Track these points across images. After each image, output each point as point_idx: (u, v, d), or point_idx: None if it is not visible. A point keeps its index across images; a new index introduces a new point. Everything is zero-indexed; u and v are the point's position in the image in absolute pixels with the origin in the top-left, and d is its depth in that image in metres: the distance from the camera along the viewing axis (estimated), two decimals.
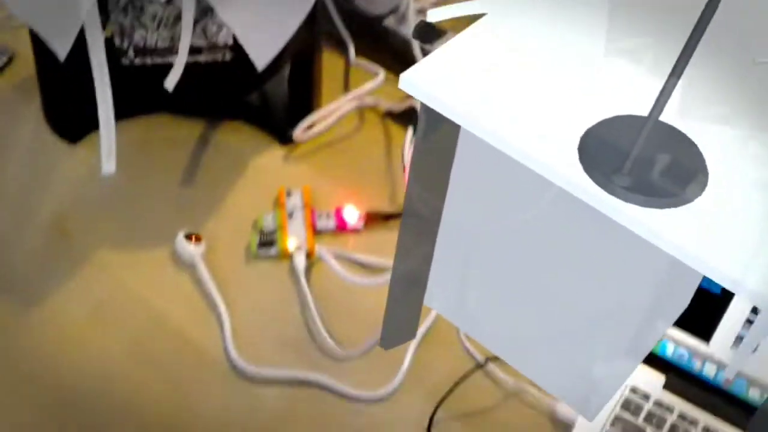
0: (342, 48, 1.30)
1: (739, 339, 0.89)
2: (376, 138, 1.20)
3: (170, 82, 1.00)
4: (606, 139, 0.45)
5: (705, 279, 0.43)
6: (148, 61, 1.11)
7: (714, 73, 0.49)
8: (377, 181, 1.15)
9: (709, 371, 0.91)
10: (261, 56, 1.03)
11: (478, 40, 0.50)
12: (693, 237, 0.42)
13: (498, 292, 0.60)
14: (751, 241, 0.42)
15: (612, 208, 0.43)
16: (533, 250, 0.55)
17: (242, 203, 1.12)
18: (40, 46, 1.06)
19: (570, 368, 0.57)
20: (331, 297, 1.03)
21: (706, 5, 0.40)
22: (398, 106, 1.22)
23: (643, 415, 0.91)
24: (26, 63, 1.21)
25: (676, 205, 0.43)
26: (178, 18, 1.06)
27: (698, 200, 0.44)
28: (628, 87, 0.49)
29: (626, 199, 0.43)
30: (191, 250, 1.04)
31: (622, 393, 0.92)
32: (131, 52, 1.10)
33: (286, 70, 1.14)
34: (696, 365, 0.92)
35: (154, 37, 1.09)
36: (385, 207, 1.11)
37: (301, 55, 1.14)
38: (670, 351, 0.92)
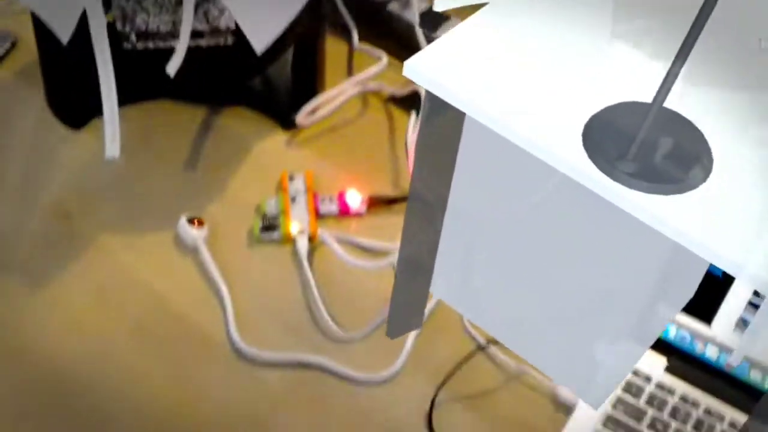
0: (345, 33, 1.30)
1: (741, 321, 0.89)
2: (378, 122, 1.21)
3: (172, 67, 1.00)
4: (610, 126, 0.45)
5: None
6: (150, 45, 1.11)
7: (718, 56, 0.49)
8: (380, 166, 1.15)
9: (710, 354, 0.92)
10: (260, 40, 1.03)
11: (482, 27, 0.50)
12: (698, 223, 0.42)
13: (503, 280, 0.60)
14: (756, 227, 0.42)
15: (616, 195, 0.43)
16: (538, 237, 0.56)
17: (245, 188, 1.12)
18: (42, 32, 1.06)
19: (576, 356, 0.57)
20: (334, 280, 1.03)
21: None
22: (401, 91, 1.22)
23: (644, 397, 0.91)
24: (29, 49, 1.21)
25: (680, 191, 0.43)
26: (179, 2, 1.06)
27: (703, 186, 0.43)
28: (633, 73, 0.49)
29: (630, 186, 0.43)
30: (194, 234, 1.05)
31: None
32: (133, 36, 1.10)
33: (289, 55, 1.14)
34: (698, 348, 0.92)
35: (156, 21, 1.09)
36: (387, 191, 1.12)
37: (305, 40, 1.14)
38: (672, 333, 0.93)
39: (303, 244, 1.04)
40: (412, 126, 1.17)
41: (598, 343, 0.56)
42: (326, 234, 1.06)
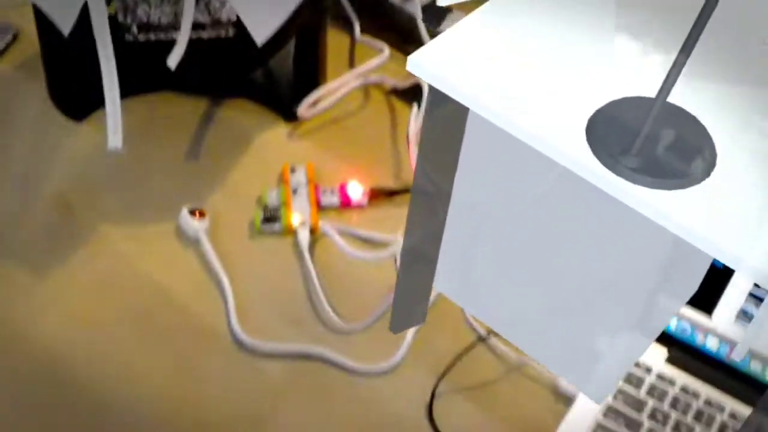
0: (347, 25, 1.29)
1: (742, 312, 0.89)
2: (380, 115, 1.21)
3: (173, 59, 1.00)
4: (614, 121, 0.45)
5: None
6: (152, 37, 1.11)
7: (721, 51, 0.50)
8: (381, 158, 1.15)
9: (711, 345, 0.92)
10: (261, 32, 1.03)
11: (485, 22, 0.50)
12: (701, 218, 0.42)
13: (505, 273, 0.60)
14: (757, 220, 0.42)
15: (620, 190, 0.43)
16: (541, 231, 0.56)
17: (246, 179, 1.12)
18: (44, 24, 1.06)
19: (579, 350, 0.58)
20: (335, 272, 1.03)
21: None
22: (403, 83, 1.22)
23: (645, 388, 0.92)
24: (31, 41, 1.21)
25: (684, 186, 0.43)
26: None
27: (706, 181, 0.44)
28: (636, 68, 0.49)
29: (634, 181, 0.43)
30: (195, 225, 1.05)
31: None
32: (135, 28, 1.10)
33: (291, 47, 1.14)
34: (698, 339, 0.92)
35: (158, 13, 1.09)
36: (389, 183, 1.12)
37: (306, 32, 1.14)
38: (672, 324, 0.93)
39: (304, 236, 1.05)
40: (413, 118, 1.17)
41: (601, 338, 0.56)
42: (327, 226, 1.06)
